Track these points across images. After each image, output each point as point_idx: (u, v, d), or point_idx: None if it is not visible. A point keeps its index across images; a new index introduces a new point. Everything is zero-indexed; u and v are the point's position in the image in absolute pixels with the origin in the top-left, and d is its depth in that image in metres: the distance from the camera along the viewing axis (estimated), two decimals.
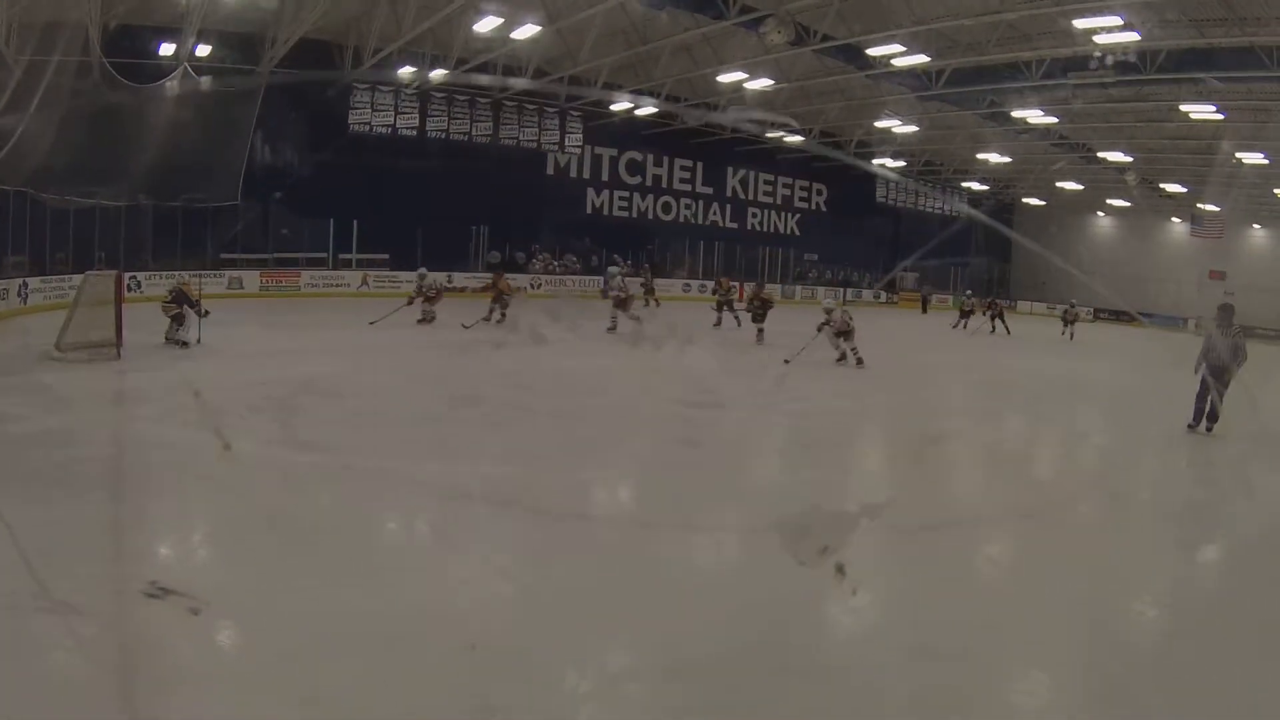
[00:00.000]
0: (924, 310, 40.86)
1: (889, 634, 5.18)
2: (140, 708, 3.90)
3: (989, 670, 4.79)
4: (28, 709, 3.73)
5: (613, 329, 20.03)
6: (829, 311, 17.39)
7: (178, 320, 14.57)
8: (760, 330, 19.93)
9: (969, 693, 4.52)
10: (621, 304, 20.63)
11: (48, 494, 6.57)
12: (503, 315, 19.99)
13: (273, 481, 7.42)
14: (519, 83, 28.44)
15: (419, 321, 19.87)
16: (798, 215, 45.49)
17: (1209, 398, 11.63)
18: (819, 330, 16.90)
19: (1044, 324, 32.30)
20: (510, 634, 4.83)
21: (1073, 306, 31.18)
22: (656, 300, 30.33)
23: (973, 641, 5.05)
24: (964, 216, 49.64)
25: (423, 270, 21.93)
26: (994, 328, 29.60)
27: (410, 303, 20.21)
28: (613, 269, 21.58)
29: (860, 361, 16.77)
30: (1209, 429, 11.64)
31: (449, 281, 22.26)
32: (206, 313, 14.98)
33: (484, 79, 28.61)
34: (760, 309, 20.33)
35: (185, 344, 14.48)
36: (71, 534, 5.79)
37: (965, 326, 29.97)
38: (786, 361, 16.08)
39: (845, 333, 16.94)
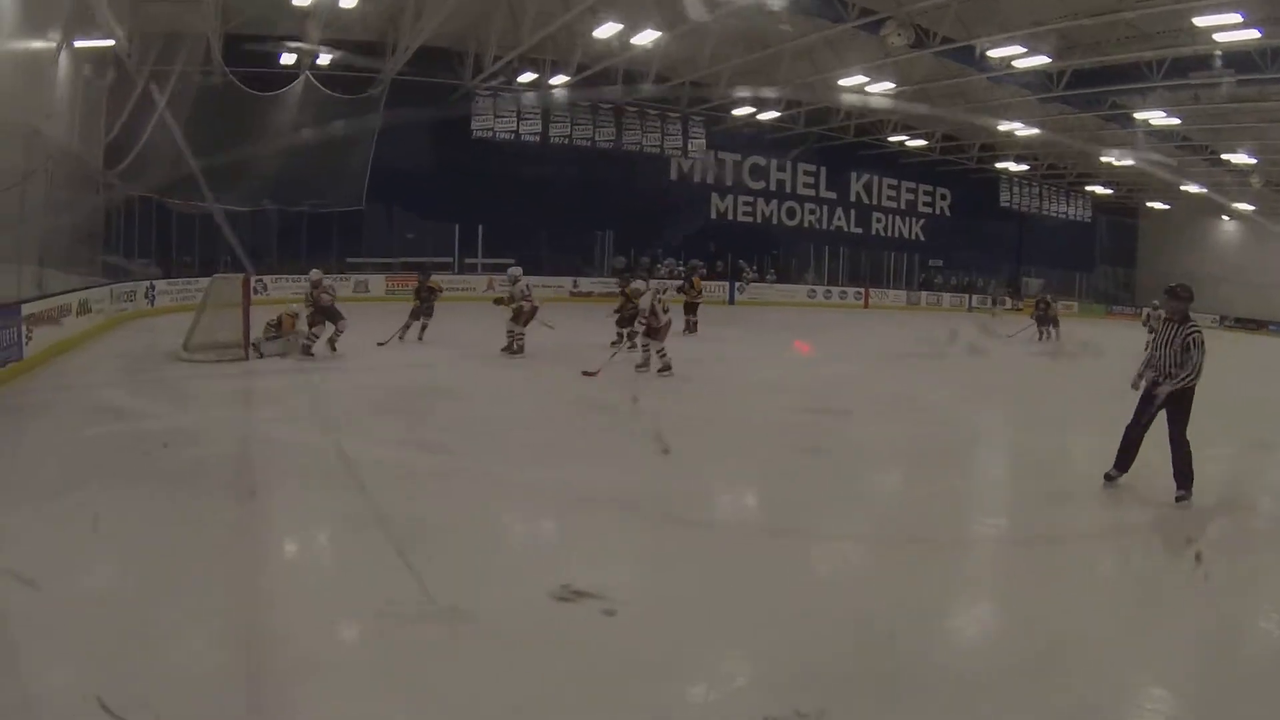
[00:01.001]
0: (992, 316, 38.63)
1: (1014, 643, 4.96)
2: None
3: (1117, 683, 4.41)
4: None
5: (508, 348, 15.66)
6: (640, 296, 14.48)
7: (269, 339, 14.28)
8: (620, 334, 15.89)
9: (1094, 701, 4.19)
10: (518, 317, 15.65)
11: (176, 492, 6.71)
12: (421, 329, 16.81)
13: (396, 483, 7.35)
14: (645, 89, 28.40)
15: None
16: (922, 220, 44.37)
17: (1143, 434, 7.95)
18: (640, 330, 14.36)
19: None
20: (630, 638, 4.67)
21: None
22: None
23: (1099, 654, 4.67)
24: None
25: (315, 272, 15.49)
26: (1041, 334, 25.96)
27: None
28: (513, 269, 16.47)
29: (663, 356, 14.11)
30: (1179, 497, 7.53)
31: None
32: (310, 342, 14.48)
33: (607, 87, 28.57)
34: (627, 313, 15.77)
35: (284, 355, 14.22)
36: (198, 531, 5.92)
37: (1048, 335, 26.02)
38: (588, 374, 13.60)
39: (656, 329, 13.95)
